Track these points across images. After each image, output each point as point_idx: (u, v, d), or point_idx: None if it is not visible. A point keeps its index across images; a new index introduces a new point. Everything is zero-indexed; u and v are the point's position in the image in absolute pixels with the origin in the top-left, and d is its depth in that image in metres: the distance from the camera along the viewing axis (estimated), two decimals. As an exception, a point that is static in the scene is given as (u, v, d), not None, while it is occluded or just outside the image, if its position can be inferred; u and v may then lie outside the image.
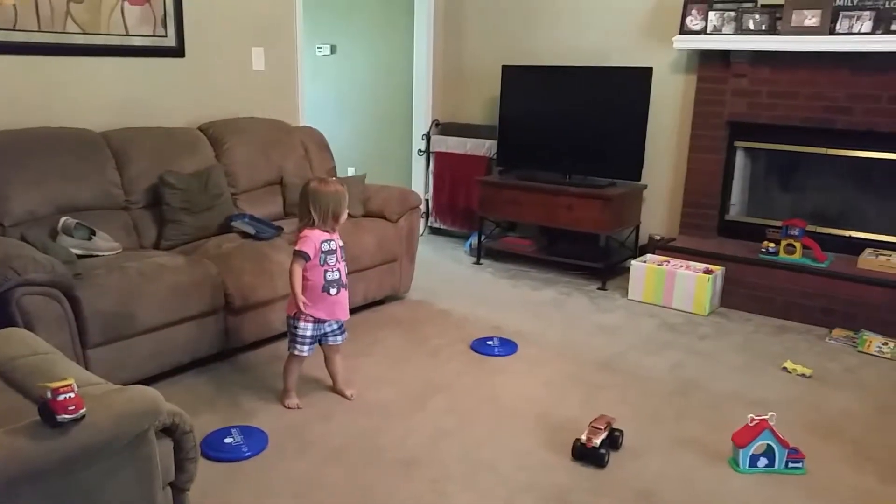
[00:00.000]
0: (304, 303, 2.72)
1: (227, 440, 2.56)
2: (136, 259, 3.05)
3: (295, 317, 2.79)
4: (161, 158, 3.56)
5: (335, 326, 2.87)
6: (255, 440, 2.58)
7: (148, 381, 2.72)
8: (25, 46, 3.35)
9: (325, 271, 2.75)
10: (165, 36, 3.89)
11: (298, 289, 2.71)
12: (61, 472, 1.50)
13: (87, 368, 2.39)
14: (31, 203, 3.12)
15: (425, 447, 2.60)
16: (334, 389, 2.99)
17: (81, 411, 1.48)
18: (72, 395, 1.47)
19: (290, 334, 2.83)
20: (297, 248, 2.73)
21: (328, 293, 2.77)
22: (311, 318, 2.78)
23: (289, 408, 2.86)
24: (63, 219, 3.10)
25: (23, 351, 2.11)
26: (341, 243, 2.82)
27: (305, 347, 2.82)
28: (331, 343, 2.89)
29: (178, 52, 3.96)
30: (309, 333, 2.80)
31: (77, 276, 2.73)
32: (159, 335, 2.94)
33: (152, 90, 3.87)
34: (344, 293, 2.84)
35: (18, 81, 3.36)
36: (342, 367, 2.99)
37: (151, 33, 3.82)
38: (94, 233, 3.13)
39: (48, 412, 1.46)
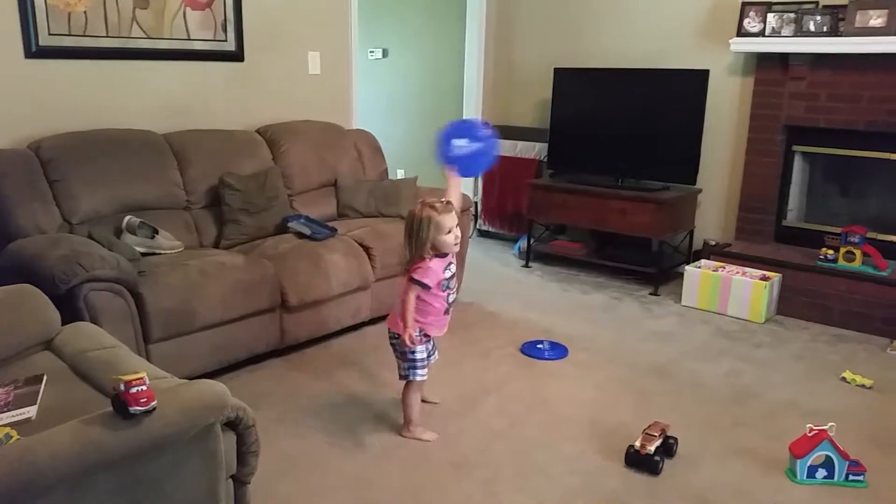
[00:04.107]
0: (411, 336, 2.54)
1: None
2: (198, 257, 3.14)
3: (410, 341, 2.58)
4: (221, 160, 3.66)
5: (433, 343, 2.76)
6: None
7: (206, 377, 2.77)
8: (94, 51, 3.48)
9: (448, 295, 2.61)
10: (225, 40, 3.98)
11: (411, 319, 2.54)
12: (132, 462, 1.55)
13: (148, 362, 2.46)
14: (96, 202, 3.23)
15: (476, 449, 2.61)
16: (426, 400, 2.87)
17: (153, 404, 1.53)
18: (143, 387, 1.52)
19: (408, 360, 2.63)
20: (416, 277, 2.51)
21: (447, 314, 2.65)
22: (425, 339, 2.64)
23: (427, 440, 2.67)
24: (127, 217, 3.19)
25: (91, 344, 2.20)
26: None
27: (425, 370, 2.65)
28: (431, 361, 2.72)
29: (237, 56, 4.05)
30: (426, 354, 2.65)
31: (141, 274, 2.82)
32: (218, 331, 3.02)
33: (212, 93, 3.97)
34: None
35: (87, 85, 3.49)
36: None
37: (212, 38, 3.92)
38: (156, 231, 3.23)
39: (121, 404, 1.51)
